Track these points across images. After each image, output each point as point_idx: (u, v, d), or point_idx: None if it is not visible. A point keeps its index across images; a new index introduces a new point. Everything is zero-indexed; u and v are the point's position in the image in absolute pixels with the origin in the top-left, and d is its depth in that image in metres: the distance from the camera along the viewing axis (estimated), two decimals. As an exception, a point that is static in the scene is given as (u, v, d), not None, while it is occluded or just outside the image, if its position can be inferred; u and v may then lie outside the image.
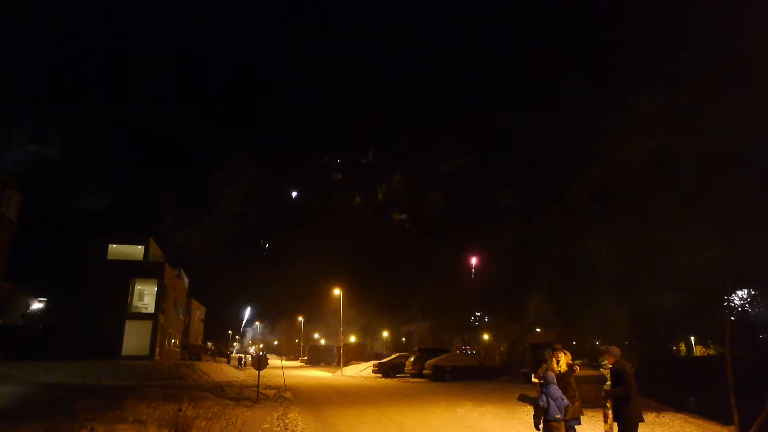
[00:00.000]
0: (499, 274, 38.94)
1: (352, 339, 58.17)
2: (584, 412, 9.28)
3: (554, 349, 7.94)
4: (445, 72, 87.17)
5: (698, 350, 28.70)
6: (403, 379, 26.76)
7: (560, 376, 7.72)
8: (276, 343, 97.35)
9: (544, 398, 6.95)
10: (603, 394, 7.30)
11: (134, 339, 29.71)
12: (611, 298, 25.28)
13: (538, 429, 7.00)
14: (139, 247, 32.76)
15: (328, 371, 37.36)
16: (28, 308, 40.35)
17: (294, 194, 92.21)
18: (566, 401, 7.04)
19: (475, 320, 49.27)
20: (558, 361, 8.07)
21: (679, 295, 23.12)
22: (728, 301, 10.94)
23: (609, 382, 7.33)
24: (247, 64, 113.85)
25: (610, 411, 7.06)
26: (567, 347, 8.55)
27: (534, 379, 7.78)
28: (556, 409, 6.88)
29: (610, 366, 7.15)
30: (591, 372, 14.61)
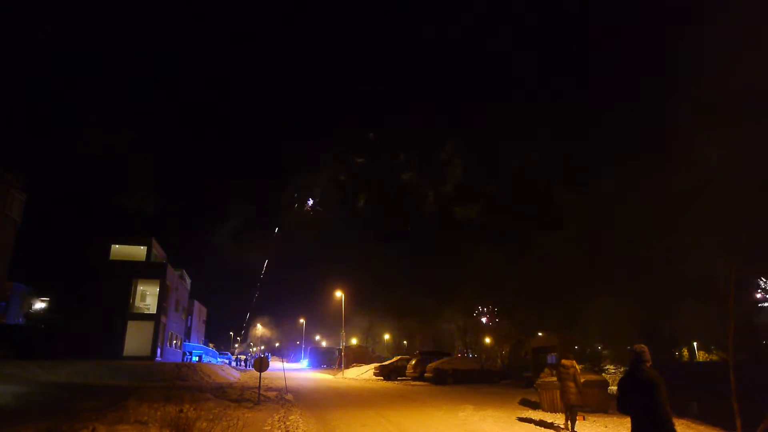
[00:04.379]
0: (508, 279, 38.49)
1: (354, 341, 58.13)
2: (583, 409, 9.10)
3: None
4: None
5: (701, 355, 28.56)
6: (404, 382, 26.69)
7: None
8: (277, 345, 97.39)
9: None
10: None
11: (136, 339, 29.80)
12: (615, 302, 25.14)
13: None
14: (142, 247, 32.88)
15: (330, 373, 37.31)
16: (31, 308, 40.49)
17: (298, 195, 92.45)
18: None
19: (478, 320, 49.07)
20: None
21: (683, 299, 22.98)
22: (731, 306, 10.87)
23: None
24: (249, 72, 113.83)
25: None
26: (570, 351, 8.45)
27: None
28: None
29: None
30: (594, 376, 14.57)
